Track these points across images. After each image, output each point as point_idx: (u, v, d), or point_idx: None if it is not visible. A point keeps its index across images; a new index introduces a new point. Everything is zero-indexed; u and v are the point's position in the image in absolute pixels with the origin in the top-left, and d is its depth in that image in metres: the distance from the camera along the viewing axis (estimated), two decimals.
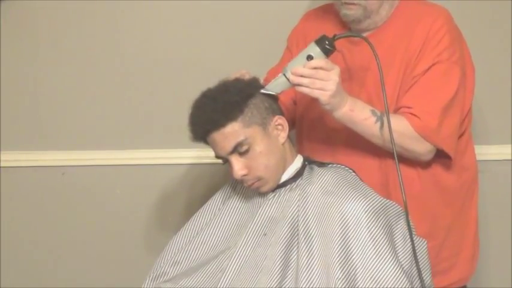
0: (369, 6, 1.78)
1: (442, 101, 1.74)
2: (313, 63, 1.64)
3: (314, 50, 1.65)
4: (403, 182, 1.64)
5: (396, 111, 1.76)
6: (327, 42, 1.65)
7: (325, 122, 1.86)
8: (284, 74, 1.68)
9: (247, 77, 1.73)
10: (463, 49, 1.82)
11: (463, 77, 1.79)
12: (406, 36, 1.79)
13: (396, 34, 1.81)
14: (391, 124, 1.67)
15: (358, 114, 1.71)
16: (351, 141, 1.82)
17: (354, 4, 1.78)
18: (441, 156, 1.80)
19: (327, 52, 1.65)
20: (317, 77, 1.63)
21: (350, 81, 1.80)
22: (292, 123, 1.93)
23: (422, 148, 1.75)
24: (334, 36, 1.67)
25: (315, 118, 1.89)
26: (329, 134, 1.88)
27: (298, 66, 1.65)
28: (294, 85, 1.66)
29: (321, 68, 1.63)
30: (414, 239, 1.66)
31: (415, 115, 1.72)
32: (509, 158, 2.42)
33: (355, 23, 1.82)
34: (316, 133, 1.92)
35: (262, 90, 1.69)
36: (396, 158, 1.66)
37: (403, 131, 1.71)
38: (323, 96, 1.64)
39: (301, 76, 1.64)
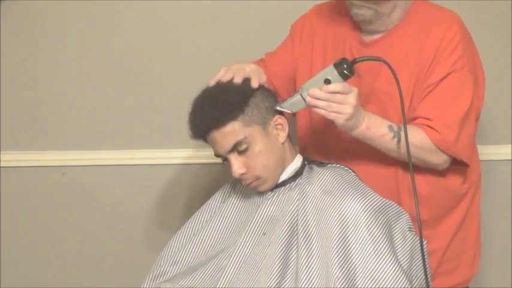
0: (380, 9, 1.76)
1: (459, 112, 1.73)
2: (330, 87, 1.63)
3: (332, 73, 1.64)
4: (417, 193, 1.63)
5: (411, 120, 1.75)
6: (345, 66, 1.63)
7: (331, 131, 1.84)
8: (301, 94, 1.67)
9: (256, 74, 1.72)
10: (474, 55, 1.82)
11: (476, 84, 1.78)
12: (418, 41, 1.77)
13: (408, 38, 1.79)
14: (409, 140, 1.65)
15: (374, 131, 1.71)
16: (357, 149, 1.81)
17: (364, 6, 1.76)
18: (453, 163, 1.79)
19: (345, 77, 1.64)
20: (334, 101, 1.63)
21: (360, 85, 1.77)
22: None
23: (439, 159, 1.75)
24: (354, 60, 1.64)
25: (323, 124, 1.88)
26: (336, 143, 1.86)
27: (315, 89, 1.64)
28: (309, 106, 1.66)
29: (338, 93, 1.63)
30: (414, 238, 1.66)
31: (433, 128, 1.71)
32: (509, 158, 2.42)
33: (366, 23, 1.81)
34: (322, 142, 1.90)
35: (277, 108, 1.70)
36: (412, 171, 1.64)
37: (421, 145, 1.71)
38: (339, 119, 1.64)
39: (318, 99, 1.64)
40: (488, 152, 2.37)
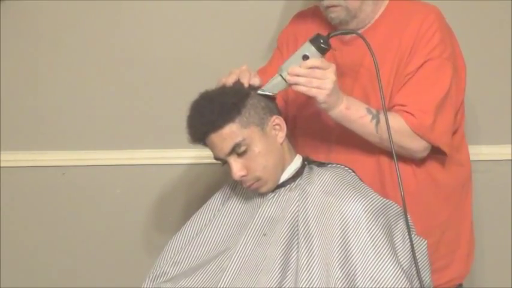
0: (350, 6, 1.80)
1: (436, 98, 1.75)
2: (309, 62, 1.65)
3: (309, 49, 1.66)
4: (401, 181, 1.64)
5: (390, 109, 1.76)
6: (321, 41, 1.66)
7: (319, 120, 1.87)
8: (280, 74, 1.68)
9: (246, 74, 1.72)
10: (453, 46, 1.84)
11: (455, 73, 1.80)
12: (397, 34, 1.80)
13: (387, 32, 1.82)
14: (388, 121, 1.67)
15: (354, 112, 1.72)
16: (345, 139, 1.83)
17: (335, 6, 1.80)
18: (436, 153, 1.81)
19: (323, 51, 1.67)
20: (314, 76, 1.64)
21: (343, 80, 1.80)
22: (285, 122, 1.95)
23: (417, 145, 1.76)
24: (329, 34, 1.68)
25: (309, 117, 1.90)
26: (324, 132, 1.89)
27: (294, 66, 1.66)
28: (290, 85, 1.67)
29: (317, 67, 1.64)
30: (414, 238, 1.66)
31: (409, 113, 1.73)
32: (509, 158, 2.42)
33: (343, 24, 1.84)
34: (310, 131, 1.92)
35: (259, 92, 1.70)
36: (395, 155, 1.66)
37: (398, 129, 1.72)
38: (320, 94, 1.65)
39: (298, 76, 1.65)
40: (488, 152, 2.38)
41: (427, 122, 1.73)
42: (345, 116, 1.72)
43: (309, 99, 1.71)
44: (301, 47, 1.69)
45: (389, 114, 1.71)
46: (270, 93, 1.71)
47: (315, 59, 1.65)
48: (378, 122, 1.72)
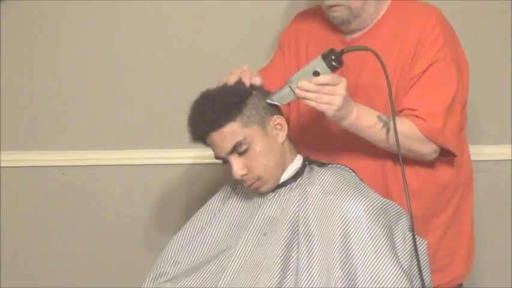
0: (352, 5, 1.80)
1: (445, 100, 1.75)
2: (319, 79, 1.64)
3: (320, 65, 1.64)
4: (407, 185, 1.64)
5: (398, 113, 1.76)
6: (333, 58, 1.64)
7: (321, 124, 1.87)
8: (290, 86, 1.67)
9: (247, 73, 1.72)
10: (456, 46, 1.84)
11: (459, 73, 1.80)
12: (399, 36, 1.80)
13: (389, 34, 1.82)
14: (397, 129, 1.67)
15: (364, 121, 1.72)
16: (348, 142, 1.83)
17: (338, 6, 1.80)
18: (440, 154, 1.81)
19: (333, 68, 1.65)
20: (323, 92, 1.64)
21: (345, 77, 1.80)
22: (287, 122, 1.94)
23: (427, 149, 1.76)
24: (342, 50, 1.66)
25: (311, 120, 1.90)
26: (326, 136, 1.89)
27: (304, 81, 1.65)
28: (299, 98, 1.67)
29: (327, 84, 1.64)
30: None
31: (420, 117, 1.73)
32: (509, 158, 2.42)
33: (345, 24, 1.84)
34: (312, 135, 1.92)
35: (268, 101, 1.70)
36: (401, 161, 1.65)
37: (409, 134, 1.72)
38: (329, 110, 1.65)
39: (307, 91, 1.65)
40: (488, 152, 2.38)
41: (438, 126, 1.74)
42: (356, 126, 1.73)
43: (318, 113, 1.71)
44: (312, 60, 1.67)
45: (398, 119, 1.70)
46: (279, 104, 1.71)
47: (325, 76, 1.64)
48: (388, 130, 1.72)
